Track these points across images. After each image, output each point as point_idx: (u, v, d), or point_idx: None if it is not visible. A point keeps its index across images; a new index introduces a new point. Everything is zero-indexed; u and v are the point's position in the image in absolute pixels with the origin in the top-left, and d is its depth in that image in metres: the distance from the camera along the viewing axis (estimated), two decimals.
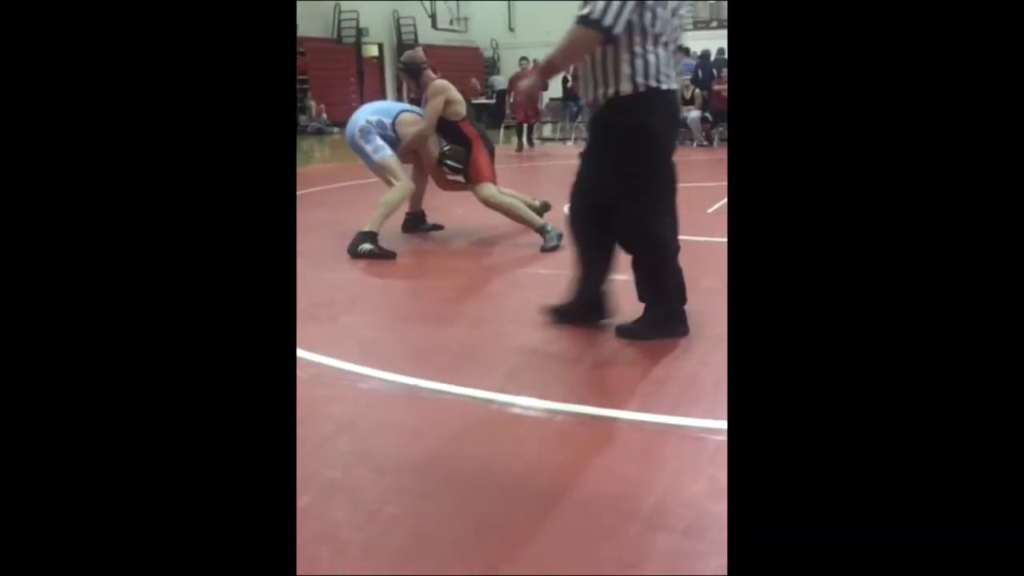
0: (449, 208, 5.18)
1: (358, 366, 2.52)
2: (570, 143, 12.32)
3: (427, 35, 17.07)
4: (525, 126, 11.87)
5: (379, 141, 4.38)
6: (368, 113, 4.49)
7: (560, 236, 4.09)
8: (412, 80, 4.61)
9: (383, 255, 4.16)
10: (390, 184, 4.38)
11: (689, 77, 11.35)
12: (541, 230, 4.30)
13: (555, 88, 14.33)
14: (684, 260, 2.74)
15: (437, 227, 4.93)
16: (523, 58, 13.09)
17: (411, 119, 4.48)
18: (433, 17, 17.47)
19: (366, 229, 4.22)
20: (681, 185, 2.71)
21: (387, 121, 4.44)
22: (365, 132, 4.37)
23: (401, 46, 16.10)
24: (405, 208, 4.73)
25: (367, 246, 4.17)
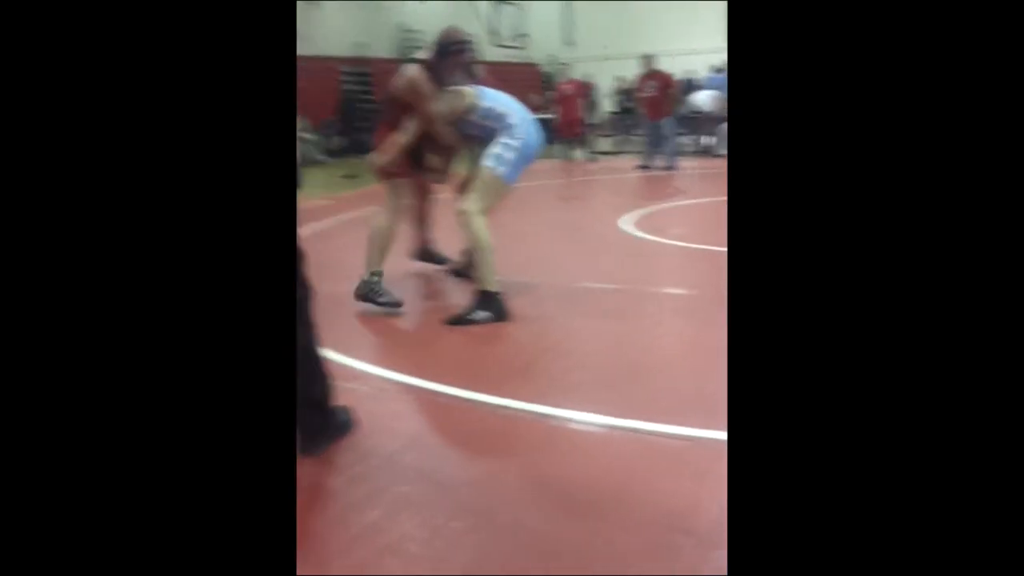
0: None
1: (414, 378, 2.60)
2: (626, 156, 12.30)
3: (487, 52, 17.20)
4: (577, 141, 11.97)
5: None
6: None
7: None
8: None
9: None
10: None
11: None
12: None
13: (609, 102, 14.34)
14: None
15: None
16: (560, 63, 12.94)
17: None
18: (493, 34, 17.61)
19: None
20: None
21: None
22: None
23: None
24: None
25: None
